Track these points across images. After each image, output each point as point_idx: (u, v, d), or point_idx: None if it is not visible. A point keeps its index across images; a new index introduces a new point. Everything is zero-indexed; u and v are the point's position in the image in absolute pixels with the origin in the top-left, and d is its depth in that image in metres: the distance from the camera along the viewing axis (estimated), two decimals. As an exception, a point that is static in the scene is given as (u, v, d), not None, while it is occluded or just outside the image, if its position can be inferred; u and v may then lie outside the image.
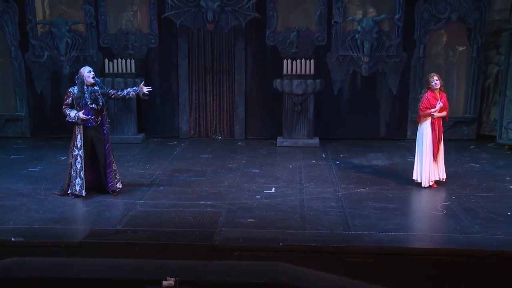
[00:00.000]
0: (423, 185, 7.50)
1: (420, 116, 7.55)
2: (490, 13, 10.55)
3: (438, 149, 7.45)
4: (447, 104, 7.57)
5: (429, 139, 7.44)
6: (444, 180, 7.63)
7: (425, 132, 7.48)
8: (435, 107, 7.36)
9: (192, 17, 10.79)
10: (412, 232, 5.90)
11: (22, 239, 5.68)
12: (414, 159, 7.66)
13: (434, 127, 7.44)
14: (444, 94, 7.58)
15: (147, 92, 7.29)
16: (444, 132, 7.72)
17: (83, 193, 7.05)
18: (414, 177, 7.64)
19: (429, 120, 7.44)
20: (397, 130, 11.13)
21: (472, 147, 10.28)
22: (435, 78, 7.43)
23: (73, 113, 6.95)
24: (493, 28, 10.70)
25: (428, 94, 7.45)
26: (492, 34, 10.75)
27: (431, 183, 7.50)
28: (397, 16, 10.64)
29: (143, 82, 7.53)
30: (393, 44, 10.75)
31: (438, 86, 7.41)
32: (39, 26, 11.12)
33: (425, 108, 7.43)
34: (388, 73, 10.95)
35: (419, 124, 7.59)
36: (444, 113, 7.52)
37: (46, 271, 5.23)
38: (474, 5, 10.47)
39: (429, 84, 7.44)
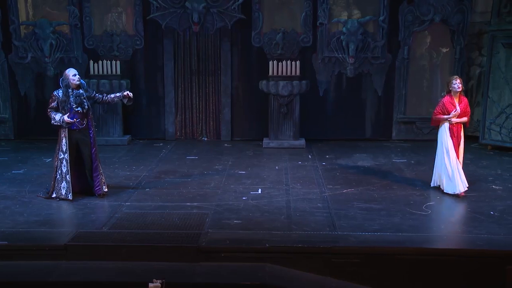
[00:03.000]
0: (457, 192, 7.07)
1: (432, 119, 7.25)
2: (472, 15, 10.69)
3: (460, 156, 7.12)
4: (468, 109, 7.15)
5: (450, 145, 7.06)
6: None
7: (443, 138, 7.13)
8: (450, 114, 7.02)
9: (178, 18, 10.77)
10: (398, 232, 5.94)
11: (6, 242, 5.61)
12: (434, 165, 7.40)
13: (453, 133, 7.06)
14: (465, 99, 7.16)
15: (129, 97, 7.14)
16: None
17: (70, 197, 6.99)
18: (432, 184, 7.45)
19: (446, 125, 7.08)
20: (383, 131, 11.22)
21: (455, 147, 10.38)
22: (458, 81, 7.00)
23: (58, 116, 6.89)
24: (475, 30, 10.83)
25: (445, 99, 7.08)
26: (474, 36, 10.89)
27: (461, 192, 7.08)
28: (381, 18, 10.74)
29: (126, 91, 7.25)
30: (378, 45, 10.84)
31: (460, 89, 7.00)
32: (22, 27, 11.00)
33: (439, 113, 7.09)
34: (373, 74, 11.04)
35: (438, 129, 7.22)
36: (464, 119, 7.11)
37: (31, 275, 5.19)
38: (457, 7, 10.61)
39: (450, 86, 7.04)
